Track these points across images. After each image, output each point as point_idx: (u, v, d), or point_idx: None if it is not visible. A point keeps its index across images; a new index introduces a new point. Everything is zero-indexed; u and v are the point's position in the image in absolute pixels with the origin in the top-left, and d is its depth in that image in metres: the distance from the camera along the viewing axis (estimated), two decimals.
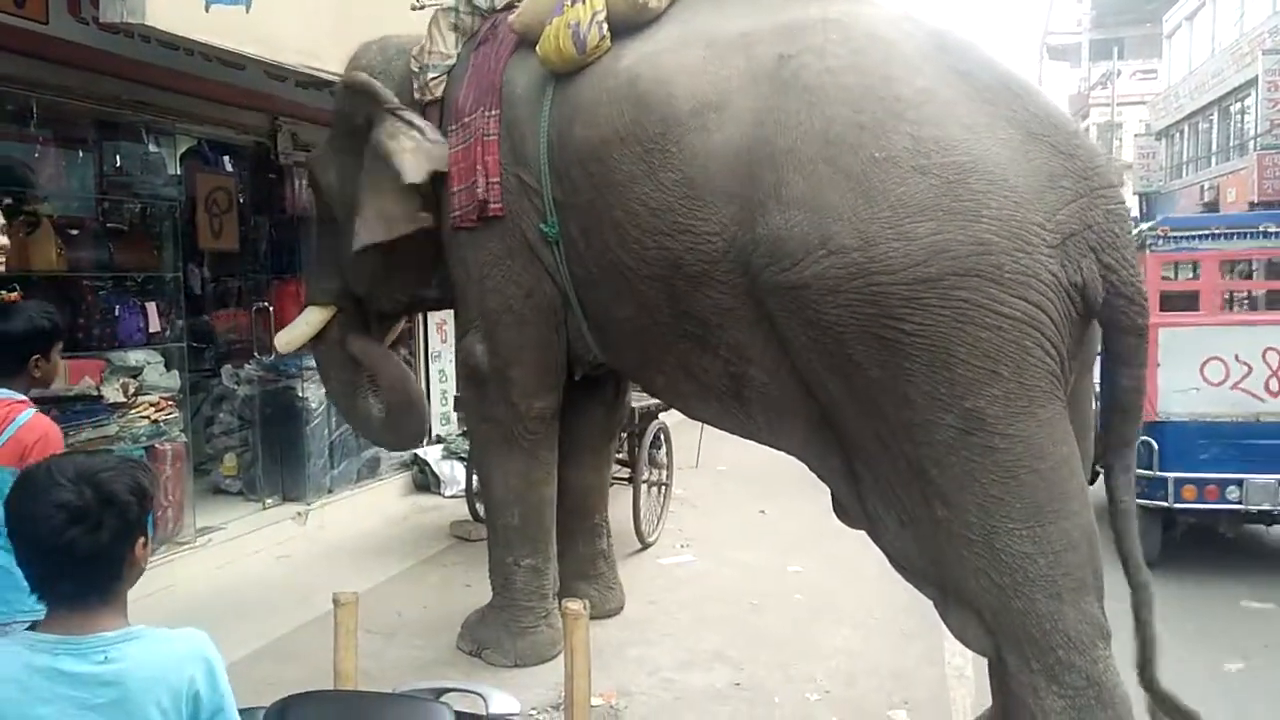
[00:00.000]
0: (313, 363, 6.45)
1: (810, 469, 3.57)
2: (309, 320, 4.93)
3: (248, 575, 5.57)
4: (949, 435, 2.91)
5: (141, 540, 1.57)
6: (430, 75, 4.34)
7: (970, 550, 2.94)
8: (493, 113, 4.04)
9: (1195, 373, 5.56)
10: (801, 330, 3.15)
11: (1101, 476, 3.19)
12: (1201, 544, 6.26)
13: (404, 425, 4.89)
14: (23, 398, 2.68)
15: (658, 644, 4.64)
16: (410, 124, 4.16)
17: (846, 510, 3.47)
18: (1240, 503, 5.53)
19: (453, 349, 8.39)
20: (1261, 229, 6.11)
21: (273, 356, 6.58)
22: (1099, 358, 3.23)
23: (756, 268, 3.22)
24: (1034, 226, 2.84)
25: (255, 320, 6.74)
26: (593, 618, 4.38)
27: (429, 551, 5.94)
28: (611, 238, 3.67)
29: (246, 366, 6.63)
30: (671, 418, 6.89)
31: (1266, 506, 5.54)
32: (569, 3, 3.76)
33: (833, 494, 3.51)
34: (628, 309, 3.78)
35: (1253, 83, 20.38)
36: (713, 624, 4.87)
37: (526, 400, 4.27)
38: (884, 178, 2.93)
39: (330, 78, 5.22)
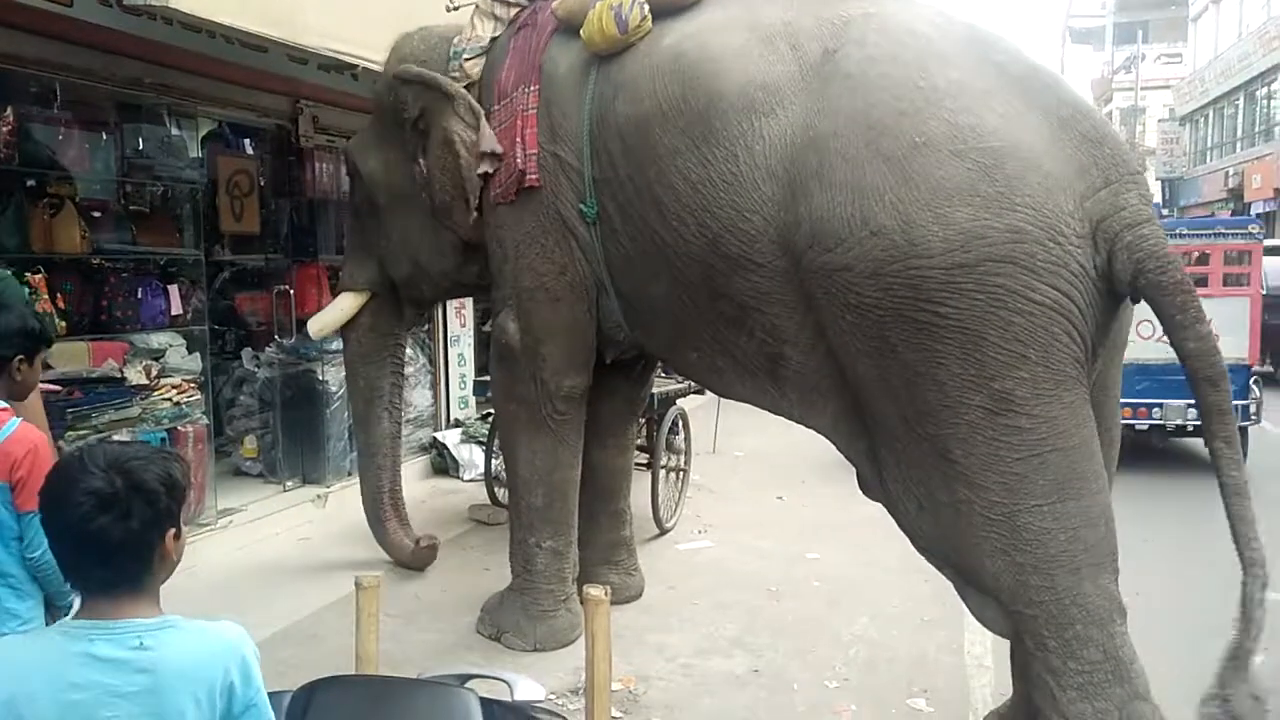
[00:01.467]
0: (333, 346, 6.55)
1: (837, 448, 3.62)
2: (343, 306, 5.01)
3: (268, 557, 5.61)
4: (976, 415, 2.96)
5: (173, 531, 1.57)
6: (466, 57, 4.41)
7: (991, 529, 2.99)
8: (533, 89, 4.14)
9: (1134, 330, 6.55)
10: (842, 312, 3.20)
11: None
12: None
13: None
14: (4, 405, 2.56)
15: (677, 630, 4.65)
16: (473, 109, 4.28)
17: (869, 486, 3.51)
18: (1162, 420, 7.91)
19: (470, 333, 8.47)
20: (1214, 231, 8.32)
21: (293, 339, 6.62)
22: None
23: (799, 249, 3.27)
24: (1065, 215, 2.90)
25: (276, 303, 6.76)
26: (612, 603, 4.42)
27: (447, 535, 5.96)
28: (651, 214, 3.73)
29: (267, 349, 6.66)
30: (689, 403, 6.89)
31: (1179, 422, 7.84)
32: None
33: (858, 471, 3.55)
34: (664, 287, 3.84)
35: (1279, 67, 20.12)
36: (731, 610, 4.88)
37: (556, 379, 4.31)
38: (923, 161, 3.00)
39: (352, 60, 5.23)
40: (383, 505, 5.27)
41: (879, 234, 3.03)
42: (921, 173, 2.99)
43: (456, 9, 4.79)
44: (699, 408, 7.65)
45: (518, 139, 4.12)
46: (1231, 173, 23.42)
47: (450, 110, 4.27)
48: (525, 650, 4.33)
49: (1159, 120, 30.59)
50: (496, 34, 4.48)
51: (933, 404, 3.04)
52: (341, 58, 5.24)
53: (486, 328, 8.47)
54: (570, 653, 4.22)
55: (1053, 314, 2.90)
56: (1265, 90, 22.90)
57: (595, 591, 2.80)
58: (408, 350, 7.54)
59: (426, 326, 8.10)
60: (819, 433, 3.68)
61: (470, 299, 8.18)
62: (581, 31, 3.95)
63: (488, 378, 7.70)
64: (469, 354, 8.52)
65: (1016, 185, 2.91)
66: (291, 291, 6.69)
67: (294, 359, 6.59)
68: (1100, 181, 2.96)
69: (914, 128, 3.04)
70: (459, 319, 8.19)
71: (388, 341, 5.20)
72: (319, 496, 6.43)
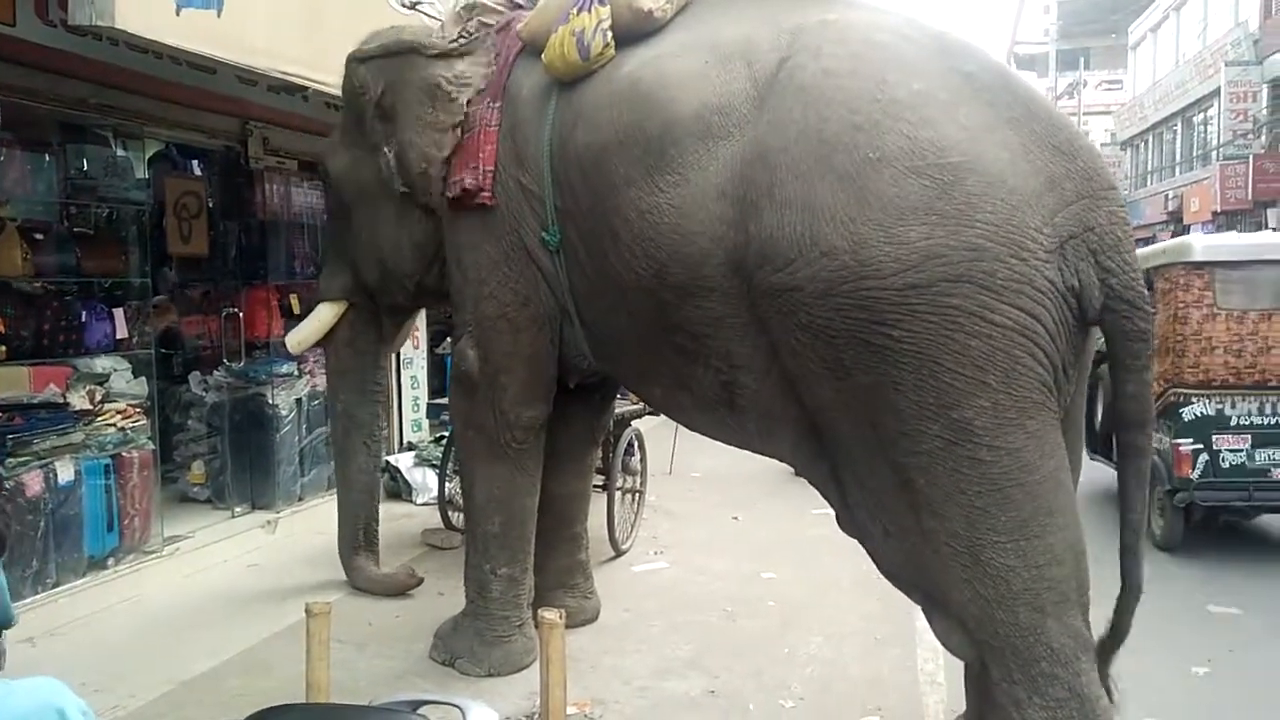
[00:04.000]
0: (282, 370, 6.49)
1: (800, 474, 3.57)
2: (320, 317, 4.89)
3: (216, 585, 5.49)
4: (935, 445, 2.87)
5: None
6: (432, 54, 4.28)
7: (956, 561, 2.91)
8: (496, 105, 4.06)
9: None
10: (794, 333, 3.11)
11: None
12: (1170, 551, 6.42)
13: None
14: None
15: (633, 652, 4.63)
16: (447, 49, 4.18)
17: (840, 518, 3.43)
18: None
19: (423, 355, 8.41)
20: None
21: (242, 363, 6.53)
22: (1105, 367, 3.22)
23: (749, 269, 3.19)
24: (1030, 230, 2.80)
25: (225, 326, 6.65)
26: (568, 626, 4.38)
27: (401, 560, 5.88)
28: (608, 246, 3.64)
29: (215, 373, 6.54)
30: (645, 424, 6.89)
31: None
32: (574, 11, 3.75)
33: (827, 500, 3.48)
34: (622, 320, 3.77)
35: (1216, 93, 20.78)
36: (687, 631, 4.87)
37: (516, 409, 4.24)
38: (877, 179, 2.89)
39: (302, 82, 5.19)
40: (357, 538, 5.21)
41: (830, 254, 2.93)
42: (875, 190, 2.89)
43: (412, 7, 4.72)
44: (655, 429, 7.64)
45: (479, 152, 4.03)
46: (1171, 196, 24.04)
47: (421, 59, 4.16)
48: (479, 676, 4.28)
49: (1101, 145, 31.32)
50: (472, 36, 4.33)
51: (891, 430, 2.96)
52: (291, 79, 5.20)
53: (440, 350, 8.45)
54: (525, 677, 4.18)
55: (1015, 336, 2.79)
56: (1202, 116, 23.58)
57: (550, 615, 2.78)
58: None
59: None
60: (782, 460, 3.65)
61: (424, 321, 8.14)
62: (544, 56, 3.86)
63: (441, 400, 7.70)
64: (422, 376, 8.45)
65: (976, 202, 2.80)
66: (241, 314, 6.60)
67: (243, 382, 6.48)
68: (1072, 195, 2.86)
69: (869, 143, 2.93)
70: (412, 340, 8.12)
71: (366, 361, 5.08)
72: (269, 522, 6.32)
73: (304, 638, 2.77)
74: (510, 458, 4.30)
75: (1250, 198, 18.42)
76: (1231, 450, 6.22)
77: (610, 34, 3.72)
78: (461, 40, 4.22)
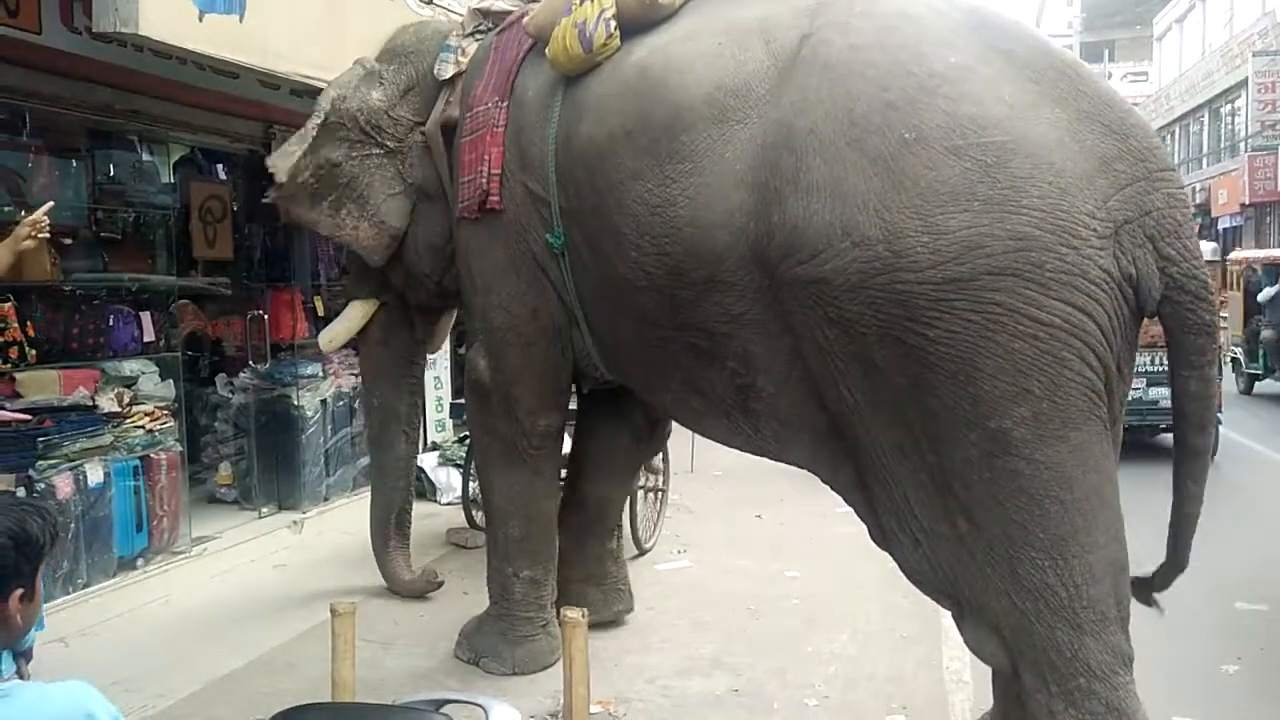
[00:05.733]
0: (307, 371, 6.53)
1: (823, 481, 3.43)
2: (351, 316, 4.89)
3: (244, 585, 5.55)
4: (971, 454, 2.72)
5: (19, 593, 1.44)
6: (441, 54, 4.32)
7: (993, 570, 2.79)
8: (503, 105, 3.94)
9: None
10: (821, 329, 2.93)
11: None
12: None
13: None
14: None
15: (656, 650, 4.63)
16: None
17: (870, 529, 3.28)
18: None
19: (447, 355, 8.43)
20: None
21: (268, 365, 6.58)
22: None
23: (772, 261, 3.00)
24: (1082, 216, 2.59)
25: (250, 329, 6.71)
26: (600, 623, 4.39)
27: (426, 559, 5.92)
28: (611, 246, 3.49)
29: (241, 375, 6.61)
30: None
31: None
32: (577, 1, 3.61)
33: (855, 510, 3.32)
34: (629, 325, 3.63)
35: (1243, 84, 20.52)
36: (710, 630, 4.87)
37: (531, 418, 4.19)
38: (914, 161, 2.68)
39: (324, 86, 5.21)
40: (389, 528, 5.19)
41: (862, 244, 2.73)
42: (911, 174, 2.68)
43: (429, 3, 4.73)
44: (677, 426, 7.64)
45: (485, 154, 3.92)
46: (1199, 188, 23.77)
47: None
48: (504, 674, 4.29)
49: None
50: (484, 30, 4.31)
51: (925, 434, 2.82)
52: (312, 83, 5.23)
53: (464, 350, 8.46)
54: (549, 676, 4.19)
55: (1063, 336, 2.60)
56: (1229, 107, 23.30)
57: (573, 614, 2.79)
58: None
59: None
60: (799, 466, 3.51)
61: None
62: (547, 50, 3.71)
63: (464, 400, 7.71)
64: (445, 377, 8.48)
65: (1023, 185, 2.59)
66: (266, 317, 6.65)
67: (268, 384, 6.54)
68: (1126, 178, 2.64)
69: (904, 121, 2.72)
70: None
71: (400, 359, 5.05)
72: (295, 523, 6.37)
73: (329, 637, 2.79)
74: (528, 464, 4.27)
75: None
76: (1132, 389, 6.40)
77: (614, 24, 3.56)
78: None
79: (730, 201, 3.10)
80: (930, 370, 2.72)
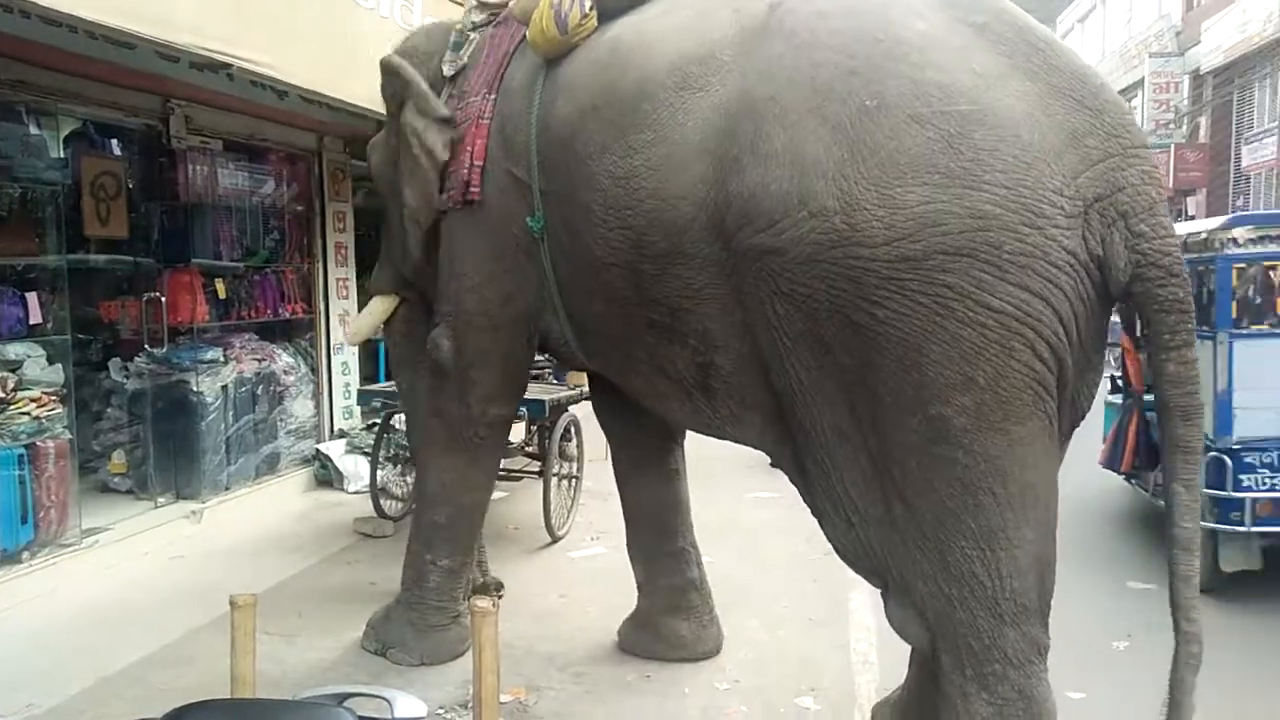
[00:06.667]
0: (207, 356, 6.34)
1: (770, 460, 3.42)
2: (373, 310, 4.87)
3: (138, 577, 5.34)
4: (911, 439, 2.67)
5: None
6: (448, 53, 4.27)
7: (923, 555, 2.78)
8: (490, 97, 3.96)
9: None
10: (772, 303, 2.86)
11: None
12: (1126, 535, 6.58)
13: None
14: None
15: (569, 638, 4.62)
16: (429, 107, 4.08)
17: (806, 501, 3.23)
18: None
19: None
20: None
21: (164, 349, 6.34)
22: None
23: (729, 230, 2.92)
24: (1048, 193, 2.50)
25: (146, 311, 6.45)
26: (691, 659, 4.37)
27: (331, 549, 5.79)
28: (582, 224, 3.43)
29: (136, 359, 6.35)
30: (581, 410, 6.86)
31: None
32: None
33: (798, 490, 3.27)
34: (600, 304, 3.58)
35: (1140, 84, 21.29)
36: (623, 616, 4.85)
37: (483, 405, 4.17)
38: (874, 129, 2.60)
39: (226, 60, 5.02)
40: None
41: (819, 215, 2.65)
42: (871, 143, 2.59)
43: None
44: (592, 413, 7.61)
45: (469, 146, 3.94)
46: None
47: (410, 100, 4.10)
48: (412, 665, 4.23)
49: None
50: (484, 21, 4.27)
51: (867, 415, 2.78)
52: (214, 56, 5.03)
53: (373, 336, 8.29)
54: (459, 666, 4.14)
55: (1014, 325, 2.52)
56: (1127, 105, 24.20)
57: (483, 603, 2.75)
58: (288, 359, 7.38)
59: (309, 335, 7.88)
60: (748, 445, 3.47)
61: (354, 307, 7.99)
62: (527, 34, 3.73)
63: (373, 387, 7.57)
64: (353, 363, 8.31)
65: (986, 159, 2.49)
66: (163, 298, 6.40)
67: (166, 369, 6.30)
68: (1099, 154, 2.55)
69: (866, 89, 2.63)
70: (344, 327, 7.97)
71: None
72: (194, 512, 6.17)
73: (229, 630, 2.70)
74: (468, 451, 4.23)
75: (1171, 186, 18.93)
76: None
77: (589, 4, 3.56)
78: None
79: (692, 172, 3.04)
80: (878, 352, 2.66)
